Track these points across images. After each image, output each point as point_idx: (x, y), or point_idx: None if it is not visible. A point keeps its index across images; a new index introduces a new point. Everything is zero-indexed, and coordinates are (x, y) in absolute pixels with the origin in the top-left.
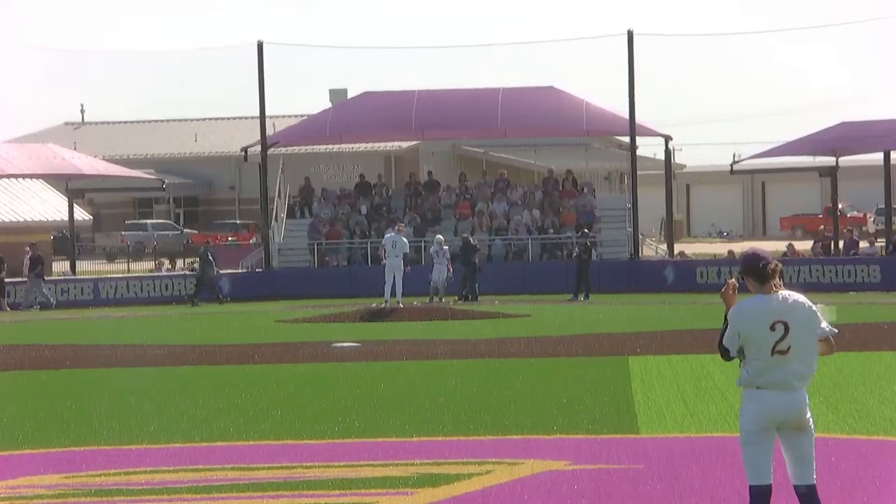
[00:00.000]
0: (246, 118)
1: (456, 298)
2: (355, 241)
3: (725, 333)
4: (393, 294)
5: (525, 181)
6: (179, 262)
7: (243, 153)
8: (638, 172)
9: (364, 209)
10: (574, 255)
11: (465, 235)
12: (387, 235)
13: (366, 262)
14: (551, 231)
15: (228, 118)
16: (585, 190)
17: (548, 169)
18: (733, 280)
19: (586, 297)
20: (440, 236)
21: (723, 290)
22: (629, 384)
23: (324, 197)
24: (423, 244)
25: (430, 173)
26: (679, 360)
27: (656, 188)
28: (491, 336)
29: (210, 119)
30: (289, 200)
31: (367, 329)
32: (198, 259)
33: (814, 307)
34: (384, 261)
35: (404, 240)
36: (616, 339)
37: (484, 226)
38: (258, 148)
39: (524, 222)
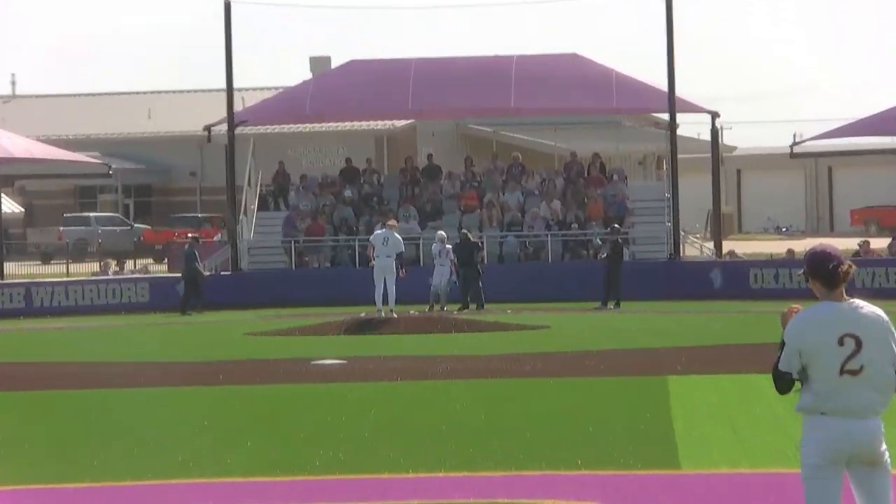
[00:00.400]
0: (210, 91)
1: (460, 307)
2: (340, 239)
3: (782, 353)
4: (385, 301)
5: (543, 166)
6: (129, 264)
7: (206, 133)
8: (679, 156)
9: (351, 199)
10: (602, 254)
11: (463, 231)
12: (376, 232)
13: (353, 264)
14: (575, 226)
15: (189, 91)
16: (616, 177)
17: (570, 152)
18: (798, 306)
19: (617, 304)
20: (442, 233)
21: (784, 312)
22: (668, 409)
23: (303, 185)
24: (420, 242)
25: (429, 157)
26: (728, 381)
27: (701, 175)
28: (502, 351)
29: (167, 92)
30: (261, 189)
31: (355, 343)
32: (185, 258)
33: (891, 324)
34: (373, 262)
35: (397, 236)
36: (652, 354)
37: (494, 220)
38: (224, 127)
39: (542, 215)
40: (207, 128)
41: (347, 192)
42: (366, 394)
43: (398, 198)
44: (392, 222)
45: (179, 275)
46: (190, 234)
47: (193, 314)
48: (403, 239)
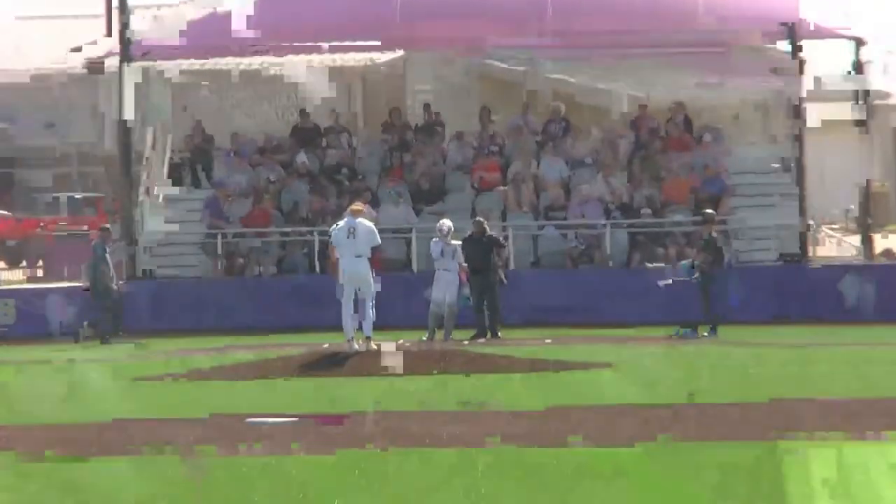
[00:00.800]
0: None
1: (474, 334)
2: (290, 232)
3: None
4: (358, 326)
5: (600, 122)
6: None
7: (86, 69)
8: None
9: (308, 171)
10: (687, 278)
11: (478, 219)
12: (338, 224)
13: (310, 269)
14: (647, 212)
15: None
16: (709, 138)
17: (639, 102)
18: None
19: (713, 330)
20: (447, 221)
21: None
22: (786, 491)
23: (234, 150)
24: (413, 236)
25: (426, 108)
26: (886, 454)
27: (840, 134)
28: (540, 404)
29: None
30: (171, 156)
31: (312, 391)
32: (92, 259)
33: None
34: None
35: (368, 224)
36: (769, 409)
37: (525, 202)
38: (113, 60)
39: (597, 196)
40: (90, 63)
41: (302, 159)
42: (327, 471)
43: (379, 169)
44: (357, 206)
45: (82, 285)
46: (56, 223)
47: (111, 342)
48: (390, 233)
